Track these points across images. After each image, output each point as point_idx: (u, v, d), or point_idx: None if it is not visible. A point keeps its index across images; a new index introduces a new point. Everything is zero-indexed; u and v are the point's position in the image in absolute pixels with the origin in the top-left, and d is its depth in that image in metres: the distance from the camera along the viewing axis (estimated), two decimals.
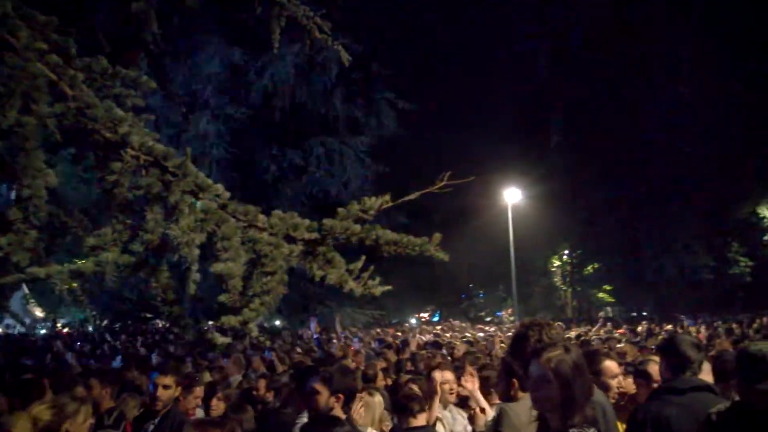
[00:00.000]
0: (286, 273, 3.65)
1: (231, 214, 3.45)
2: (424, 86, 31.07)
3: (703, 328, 15.27)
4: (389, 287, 3.95)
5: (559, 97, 33.89)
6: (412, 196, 4.23)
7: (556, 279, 38.63)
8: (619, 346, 9.82)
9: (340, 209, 3.73)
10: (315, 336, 19.71)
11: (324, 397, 3.64)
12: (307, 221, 3.75)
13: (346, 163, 26.09)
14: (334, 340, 16.99)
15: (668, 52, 32.05)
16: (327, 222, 3.63)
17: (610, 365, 3.46)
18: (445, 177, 4.12)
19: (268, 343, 14.03)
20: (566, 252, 37.97)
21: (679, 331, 15.32)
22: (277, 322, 28.48)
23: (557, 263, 38.86)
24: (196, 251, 3.32)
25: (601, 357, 3.53)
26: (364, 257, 3.92)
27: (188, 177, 3.34)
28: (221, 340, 3.48)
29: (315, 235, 3.65)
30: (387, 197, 3.94)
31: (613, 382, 3.41)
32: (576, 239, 35.45)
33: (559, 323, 21.34)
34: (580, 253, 37.06)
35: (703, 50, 31.33)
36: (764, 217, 33.30)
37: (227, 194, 3.56)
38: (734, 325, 15.60)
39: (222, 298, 3.36)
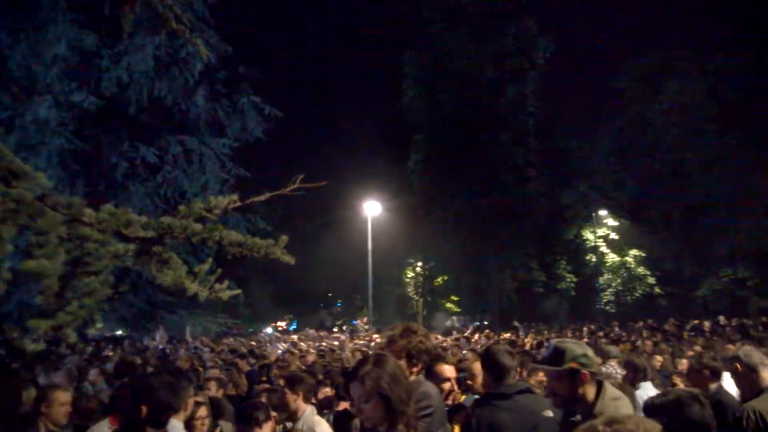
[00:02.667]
0: (132, 277, 3.37)
1: (51, 206, 3.09)
2: (293, 95, 31.00)
3: (530, 337, 16.76)
4: (238, 291, 3.81)
5: (421, 116, 35.48)
6: (262, 197, 4.13)
7: (409, 289, 40.19)
8: (464, 352, 10.38)
9: (180, 206, 3.51)
10: (160, 346, 18.50)
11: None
12: (143, 218, 3.47)
13: (206, 164, 24.97)
14: (182, 351, 16.03)
15: (517, 77, 35.07)
16: (164, 220, 3.39)
17: (443, 369, 3.57)
18: (298, 180, 4.07)
19: (89, 350, 12.86)
20: (420, 264, 39.72)
21: (516, 338, 16.70)
22: (119, 332, 26.38)
23: (411, 274, 40.48)
24: (8, 246, 2.96)
25: (437, 361, 3.63)
26: (210, 259, 3.75)
27: None
28: (32, 347, 3.11)
29: (151, 234, 3.40)
30: (235, 197, 3.78)
31: (446, 385, 3.51)
32: (429, 252, 37.21)
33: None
34: (432, 266, 38.98)
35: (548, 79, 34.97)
36: (587, 239, 37.82)
37: (48, 184, 3.16)
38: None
39: (39, 299, 3.03)
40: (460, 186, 32.75)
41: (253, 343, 18.67)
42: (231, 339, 21.16)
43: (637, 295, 37.41)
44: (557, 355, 2.63)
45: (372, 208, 27.72)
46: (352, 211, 30.19)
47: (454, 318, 39.66)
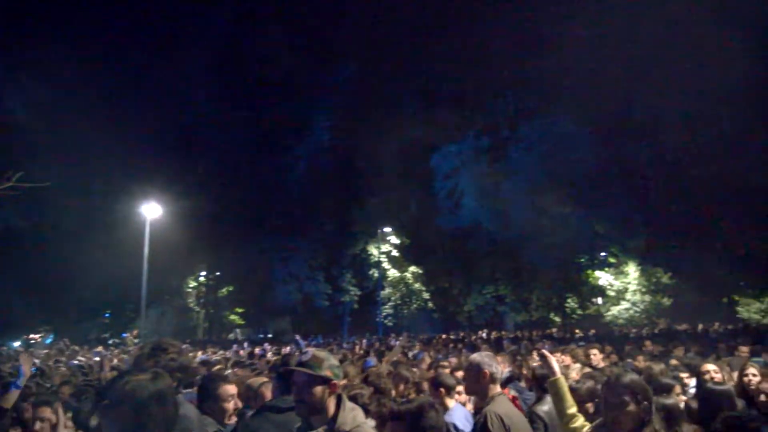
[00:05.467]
0: None
1: None
2: (67, 73, 27.18)
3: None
4: None
5: (216, 120, 34.15)
6: None
7: (190, 300, 37.97)
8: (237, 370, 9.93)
9: None
10: None
11: None
12: None
13: None
14: None
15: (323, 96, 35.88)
16: None
17: (227, 388, 3.56)
18: (14, 178, 3.65)
19: None
20: (203, 273, 37.87)
21: (297, 353, 16.61)
22: None
23: (193, 284, 38.34)
24: None
25: (219, 382, 3.62)
26: None
27: None
28: None
29: None
30: None
31: (230, 405, 3.50)
32: (213, 261, 35.70)
33: (187, 345, 20.96)
34: (217, 276, 37.46)
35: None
36: (371, 254, 39.95)
37: None
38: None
39: None
40: (250, 194, 32.13)
41: None
42: None
43: (413, 308, 40.40)
44: (315, 361, 2.70)
45: (151, 210, 25.46)
46: (129, 213, 27.46)
47: (238, 330, 38.45)
